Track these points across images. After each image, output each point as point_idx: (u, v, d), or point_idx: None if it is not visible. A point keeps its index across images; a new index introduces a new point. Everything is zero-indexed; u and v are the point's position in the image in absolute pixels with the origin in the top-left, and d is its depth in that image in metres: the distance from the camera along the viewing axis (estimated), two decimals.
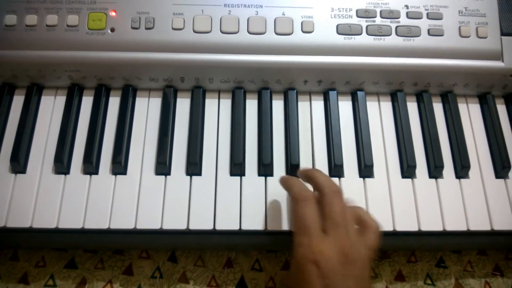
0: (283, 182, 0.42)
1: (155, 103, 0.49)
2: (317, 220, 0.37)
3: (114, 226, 0.43)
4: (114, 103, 0.49)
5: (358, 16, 0.48)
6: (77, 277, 0.46)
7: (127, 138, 0.47)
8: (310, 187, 0.40)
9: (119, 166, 0.45)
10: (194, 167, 0.45)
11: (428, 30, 0.48)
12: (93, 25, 0.47)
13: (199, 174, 0.46)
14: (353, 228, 0.37)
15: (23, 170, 0.45)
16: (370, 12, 0.48)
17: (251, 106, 0.49)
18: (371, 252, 0.37)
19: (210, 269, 0.47)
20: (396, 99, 0.50)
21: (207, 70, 0.47)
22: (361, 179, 0.46)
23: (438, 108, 0.50)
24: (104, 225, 0.43)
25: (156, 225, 0.43)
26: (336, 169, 0.46)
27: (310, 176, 0.41)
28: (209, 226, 0.43)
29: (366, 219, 0.39)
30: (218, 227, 0.43)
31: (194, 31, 0.47)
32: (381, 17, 0.48)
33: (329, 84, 0.49)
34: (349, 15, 0.48)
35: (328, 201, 0.37)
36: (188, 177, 0.45)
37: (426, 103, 0.50)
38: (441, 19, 0.48)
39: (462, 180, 0.47)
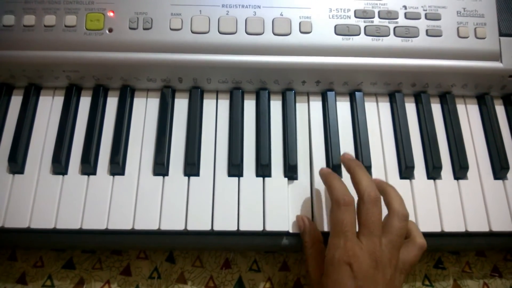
0: (324, 177, 0.43)
1: (153, 103, 0.49)
2: (354, 225, 0.38)
3: (112, 226, 0.43)
4: (112, 103, 0.49)
5: (356, 17, 0.48)
6: (75, 277, 0.46)
7: (125, 139, 0.47)
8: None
9: (117, 166, 0.45)
10: (192, 167, 0.45)
11: (427, 30, 0.48)
12: (91, 26, 0.47)
13: (197, 174, 0.45)
14: (393, 239, 0.38)
15: (21, 171, 0.45)
16: (368, 13, 0.48)
17: (249, 106, 0.49)
18: (407, 266, 0.39)
19: (208, 270, 0.47)
20: (394, 99, 0.50)
21: (205, 70, 0.47)
22: None
23: (436, 109, 0.50)
24: (102, 226, 0.43)
25: (154, 226, 0.43)
26: (334, 169, 0.46)
27: (352, 174, 0.42)
28: (207, 227, 0.43)
29: (415, 236, 0.41)
30: (216, 228, 0.43)
31: (192, 32, 0.47)
32: (379, 17, 0.48)
33: (327, 84, 0.49)
34: (347, 16, 0.48)
35: (366, 210, 0.38)
36: (186, 177, 0.45)
37: (424, 104, 0.50)
38: (439, 19, 0.48)
39: (461, 181, 0.47)
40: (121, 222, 0.43)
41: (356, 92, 0.50)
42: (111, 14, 0.47)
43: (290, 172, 0.45)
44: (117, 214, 0.43)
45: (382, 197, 0.40)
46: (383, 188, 0.42)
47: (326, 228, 0.43)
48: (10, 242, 0.45)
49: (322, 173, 0.43)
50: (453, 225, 0.44)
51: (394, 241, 0.38)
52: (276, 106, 0.49)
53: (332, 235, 0.39)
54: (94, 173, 0.45)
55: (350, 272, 0.36)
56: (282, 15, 0.47)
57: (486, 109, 0.50)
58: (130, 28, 0.47)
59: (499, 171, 0.47)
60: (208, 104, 0.49)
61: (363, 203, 0.39)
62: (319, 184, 0.45)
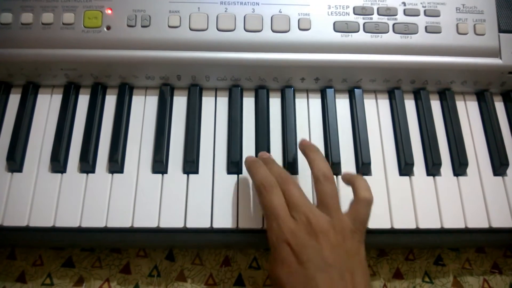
0: (247, 165, 0.43)
1: (152, 101, 0.49)
2: (283, 204, 0.38)
3: (111, 224, 0.43)
4: (110, 101, 0.49)
5: (355, 14, 0.48)
6: (74, 276, 0.46)
7: (123, 137, 0.47)
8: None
9: (116, 164, 0.45)
10: (191, 165, 0.45)
11: (426, 27, 0.48)
12: (89, 23, 0.46)
13: (196, 172, 0.45)
14: (325, 203, 0.38)
15: (19, 169, 0.45)
16: (367, 10, 0.48)
17: (248, 104, 0.49)
18: (358, 224, 0.38)
19: (207, 268, 0.47)
20: (394, 96, 0.50)
21: (204, 68, 0.47)
22: None
23: (435, 106, 0.50)
24: (101, 224, 0.43)
25: (153, 224, 0.43)
26: (333, 167, 0.46)
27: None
28: (207, 224, 0.43)
29: (358, 192, 0.39)
30: (215, 225, 0.43)
31: (191, 29, 0.47)
32: (378, 14, 0.48)
33: (326, 81, 0.49)
34: (346, 13, 0.48)
35: (284, 189, 0.39)
36: (185, 175, 0.45)
37: (423, 101, 0.49)
38: (438, 16, 0.48)
39: (460, 177, 0.47)
40: (120, 220, 0.43)
41: (355, 89, 0.49)
42: (109, 11, 0.47)
43: (290, 168, 0.45)
44: (116, 212, 0.43)
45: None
46: (305, 152, 0.42)
47: None
48: (9, 240, 0.45)
49: (245, 162, 0.43)
50: (453, 222, 0.44)
51: (327, 204, 0.38)
52: (275, 103, 0.49)
53: (266, 219, 0.39)
54: (93, 171, 0.45)
55: (289, 250, 0.36)
56: (280, 12, 0.47)
57: (485, 105, 0.50)
58: (128, 26, 0.46)
59: (498, 168, 0.47)
60: (207, 102, 0.49)
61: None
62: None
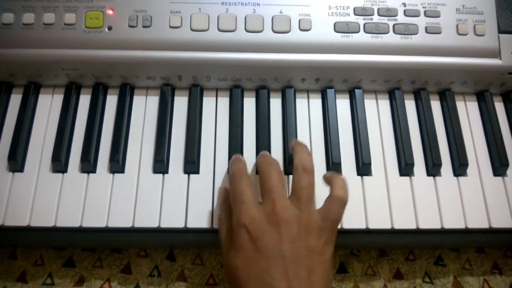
0: (231, 160, 0.43)
1: (153, 101, 0.49)
2: (250, 191, 0.38)
3: (112, 224, 0.43)
4: (111, 101, 0.49)
5: (355, 14, 0.48)
6: (75, 276, 0.46)
7: (124, 137, 0.47)
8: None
9: (117, 164, 0.45)
10: (191, 165, 0.45)
11: (426, 28, 0.48)
12: (90, 24, 0.46)
13: (197, 172, 0.45)
14: (298, 194, 0.38)
15: (20, 169, 0.45)
16: (367, 10, 0.48)
17: (249, 104, 0.49)
18: (328, 223, 0.37)
19: (208, 268, 0.47)
20: (394, 97, 0.50)
21: (205, 68, 0.47)
22: (359, 177, 0.46)
23: (436, 106, 0.50)
24: (102, 224, 0.43)
25: (154, 224, 0.43)
26: (334, 167, 0.46)
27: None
28: (207, 224, 0.43)
29: (333, 189, 0.39)
30: (216, 226, 0.43)
31: (192, 29, 0.47)
32: (379, 15, 0.48)
33: (327, 82, 0.49)
34: (347, 13, 0.48)
35: (261, 172, 0.39)
36: (186, 175, 0.45)
37: (424, 101, 0.50)
38: (438, 17, 0.48)
39: (460, 178, 0.47)
40: (121, 220, 0.43)
41: (355, 90, 0.50)
42: (111, 12, 0.47)
43: (290, 168, 0.45)
44: (117, 212, 0.43)
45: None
46: (292, 146, 0.42)
47: None
48: (10, 240, 0.45)
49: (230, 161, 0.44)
50: (453, 222, 0.44)
51: (298, 195, 0.37)
52: (275, 104, 0.49)
53: (233, 207, 0.38)
54: (94, 171, 0.45)
55: (247, 235, 0.35)
56: (281, 12, 0.47)
57: (485, 106, 0.50)
58: (130, 26, 0.47)
59: (498, 168, 0.47)
60: (208, 102, 0.49)
61: (259, 169, 0.40)
62: (319, 179, 0.45)
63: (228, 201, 0.41)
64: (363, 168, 0.46)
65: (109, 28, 0.47)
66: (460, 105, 0.50)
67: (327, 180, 0.41)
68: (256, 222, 0.36)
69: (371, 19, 0.48)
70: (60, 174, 0.45)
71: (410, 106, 0.50)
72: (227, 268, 0.37)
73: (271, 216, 0.36)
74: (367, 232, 0.44)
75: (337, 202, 0.38)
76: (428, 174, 0.47)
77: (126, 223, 0.43)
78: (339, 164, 0.46)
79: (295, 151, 0.41)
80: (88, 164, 0.45)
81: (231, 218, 0.39)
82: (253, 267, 0.35)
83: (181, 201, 0.44)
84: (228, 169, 0.46)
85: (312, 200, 0.38)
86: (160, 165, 0.45)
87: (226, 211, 0.41)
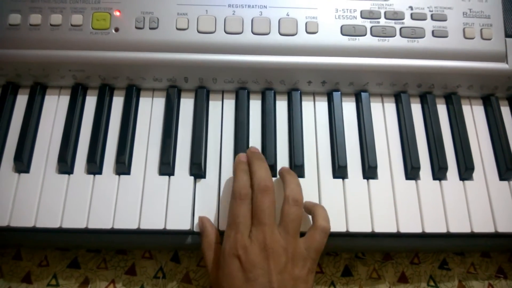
0: (235, 163, 0.43)
1: (159, 103, 0.49)
2: (249, 218, 0.39)
3: (118, 226, 0.43)
4: (117, 103, 0.49)
5: (362, 17, 0.48)
6: (80, 277, 0.46)
7: (130, 138, 0.47)
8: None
9: (123, 166, 0.45)
10: (198, 167, 0.45)
11: (433, 31, 0.48)
12: (97, 25, 0.47)
13: (203, 174, 0.45)
14: (286, 225, 0.38)
15: (26, 170, 0.45)
16: (374, 13, 0.48)
17: (255, 106, 0.49)
18: (312, 253, 0.38)
19: None
20: (400, 100, 0.50)
21: (211, 70, 0.47)
22: (365, 180, 0.46)
23: (442, 110, 0.50)
24: (107, 225, 0.43)
25: (159, 226, 0.43)
26: (340, 170, 0.46)
27: (249, 164, 0.42)
28: None
29: (317, 219, 0.40)
30: (221, 228, 0.43)
31: (198, 31, 0.47)
32: (386, 18, 0.48)
33: (333, 85, 0.49)
34: (354, 16, 0.48)
35: (255, 199, 0.39)
36: (192, 177, 0.45)
37: (430, 105, 0.50)
38: (445, 20, 0.48)
39: (466, 182, 0.47)
40: (126, 221, 0.43)
41: (362, 93, 0.50)
42: (117, 13, 0.47)
43: (297, 171, 0.45)
44: (122, 213, 0.43)
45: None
46: (282, 176, 0.43)
47: None
48: (15, 241, 0.45)
49: (236, 159, 0.43)
50: (459, 226, 0.44)
51: (287, 227, 0.38)
52: (281, 106, 0.49)
53: (227, 227, 0.40)
54: (100, 172, 0.45)
55: (239, 265, 0.37)
56: (288, 15, 0.47)
57: (491, 110, 0.50)
58: (136, 28, 0.47)
59: (504, 172, 0.47)
60: (214, 104, 0.49)
61: (253, 193, 0.39)
62: (327, 183, 0.45)
63: (208, 229, 0.42)
64: (369, 171, 0.46)
65: (116, 30, 0.47)
66: (466, 109, 0.50)
67: (309, 209, 0.42)
68: (248, 254, 0.37)
69: (378, 22, 0.48)
70: (66, 175, 0.45)
71: (416, 109, 0.50)
72: (215, 286, 0.38)
73: (262, 247, 0.37)
74: (372, 235, 0.44)
75: (320, 233, 0.39)
76: (434, 178, 0.47)
77: (132, 225, 0.43)
78: (345, 167, 0.46)
79: (286, 181, 0.41)
80: (94, 166, 0.45)
81: (216, 240, 0.40)
82: None
83: (187, 203, 0.44)
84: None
85: (299, 232, 0.39)
86: (166, 167, 0.45)
87: (207, 239, 0.41)
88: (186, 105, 0.49)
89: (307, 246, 0.39)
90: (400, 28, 0.48)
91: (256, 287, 0.36)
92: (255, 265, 0.36)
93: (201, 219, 0.43)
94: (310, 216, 0.43)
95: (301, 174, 0.46)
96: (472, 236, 0.45)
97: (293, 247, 0.38)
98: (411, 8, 0.48)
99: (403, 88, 0.50)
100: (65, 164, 0.45)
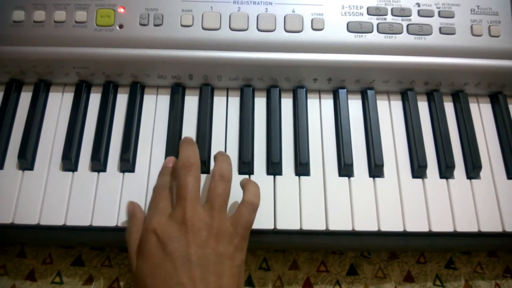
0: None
1: (163, 100, 0.49)
2: (168, 204, 0.39)
3: (122, 224, 0.43)
4: (122, 100, 0.49)
5: (369, 14, 0.47)
6: (84, 274, 0.46)
7: (135, 136, 0.46)
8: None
9: (127, 163, 0.45)
10: (202, 165, 0.45)
11: (440, 28, 0.47)
12: (102, 22, 0.46)
13: (207, 172, 0.45)
14: (210, 200, 0.38)
15: (30, 167, 0.45)
16: (381, 10, 0.47)
17: (260, 104, 0.49)
18: (239, 228, 0.38)
19: None
20: (407, 98, 0.49)
21: (216, 67, 0.47)
22: (371, 178, 0.46)
23: (449, 108, 0.50)
24: (112, 223, 0.43)
25: None
26: (346, 168, 0.45)
27: (180, 147, 0.42)
28: None
29: (244, 194, 0.40)
30: None
31: (203, 28, 0.46)
32: (392, 15, 0.47)
33: (339, 82, 0.49)
34: (360, 13, 0.47)
35: (179, 177, 0.39)
36: None
37: (437, 103, 0.49)
38: (452, 17, 0.48)
39: (473, 180, 0.46)
40: None
41: (368, 90, 0.49)
42: (122, 10, 0.47)
43: (302, 169, 0.45)
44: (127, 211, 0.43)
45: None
46: (214, 158, 0.42)
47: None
48: (20, 238, 0.45)
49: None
50: (466, 225, 0.44)
51: (212, 202, 0.38)
52: (287, 104, 0.49)
53: (147, 214, 0.40)
54: (104, 170, 0.45)
55: (155, 239, 0.36)
56: (294, 12, 0.47)
57: (499, 108, 0.49)
58: (141, 25, 0.46)
59: None
60: (219, 101, 0.49)
61: (178, 170, 0.40)
62: (333, 181, 0.45)
63: (138, 214, 0.41)
64: (376, 169, 0.45)
65: (120, 26, 0.46)
66: (473, 107, 0.50)
67: (242, 185, 0.42)
68: (165, 227, 0.36)
69: (385, 19, 0.47)
70: (70, 173, 0.45)
71: (423, 107, 0.49)
72: (135, 277, 0.37)
73: (181, 222, 0.36)
74: (378, 234, 0.44)
75: (248, 207, 0.39)
76: (441, 176, 0.46)
77: None
78: (351, 165, 0.45)
79: (216, 160, 0.41)
80: (98, 163, 0.45)
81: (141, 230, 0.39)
82: (160, 272, 0.35)
83: None
84: (238, 167, 0.45)
85: (225, 208, 0.39)
86: None
87: (135, 223, 0.41)
88: (191, 103, 0.49)
89: (234, 222, 0.38)
90: (407, 25, 0.47)
91: (174, 260, 0.35)
92: (171, 238, 0.36)
93: (131, 203, 0.42)
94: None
95: (306, 172, 0.45)
96: (479, 235, 0.44)
97: (218, 223, 0.37)
98: (418, 4, 0.48)
99: (409, 86, 0.49)
100: (69, 162, 0.45)
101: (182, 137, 0.45)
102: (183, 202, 0.37)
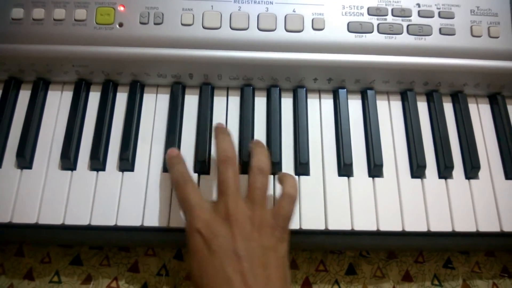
0: (167, 158, 0.42)
1: (163, 99, 0.48)
2: (198, 195, 0.38)
3: (121, 223, 0.42)
4: (121, 99, 0.48)
5: (369, 14, 0.47)
6: (82, 274, 0.46)
7: (134, 135, 0.46)
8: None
9: (126, 162, 0.44)
10: (202, 164, 0.45)
11: (440, 29, 0.47)
12: (101, 20, 0.46)
13: (207, 172, 0.45)
14: (251, 194, 0.38)
15: (29, 166, 0.45)
16: (381, 10, 0.47)
17: (260, 103, 0.49)
18: (280, 220, 0.38)
19: None
20: (406, 98, 0.49)
21: (216, 66, 0.47)
22: (371, 178, 0.46)
23: (448, 108, 0.50)
24: (111, 222, 0.42)
25: (163, 223, 0.43)
26: (345, 168, 0.45)
27: (215, 138, 0.42)
28: None
29: (283, 187, 0.40)
30: None
31: (204, 27, 0.46)
32: (393, 15, 0.47)
33: (339, 82, 0.49)
34: (360, 13, 0.47)
35: (218, 171, 0.39)
36: (196, 174, 0.45)
37: (436, 103, 0.49)
38: (452, 18, 0.48)
39: (472, 180, 0.46)
40: (130, 218, 0.43)
41: (368, 90, 0.49)
42: (122, 8, 0.46)
43: (302, 169, 0.45)
44: (126, 210, 0.43)
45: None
46: (251, 149, 0.42)
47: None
48: (18, 237, 0.45)
49: (167, 155, 0.43)
50: (464, 225, 0.44)
51: (252, 195, 0.38)
52: (287, 103, 0.49)
53: (184, 213, 0.39)
54: (103, 169, 0.45)
55: (200, 238, 0.36)
56: (294, 11, 0.47)
57: (498, 109, 0.50)
58: (141, 23, 0.46)
59: (510, 171, 0.47)
60: (219, 101, 0.49)
61: (217, 164, 0.39)
62: (332, 181, 0.45)
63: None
64: (375, 169, 0.46)
65: (120, 25, 0.46)
66: (472, 107, 0.50)
67: (280, 179, 0.42)
68: (208, 224, 0.36)
69: (385, 19, 0.47)
70: (69, 172, 0.44)
71: (422, 108, 0.50)
72: (190, 276, 0.37)
73: (224, 217, 0.36)
74: (377, 234, 0.44)
75: (287, 199, 0.39)
76: (440, 176, 0.46)
77: (135, 222, 0.43)
78: (351, 165, 0.45)
79: (254, 152, 0.41)
80: (97, 162, 0.44)
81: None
82: (209, 269, 0.35)
83: None
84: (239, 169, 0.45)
85: (266, 200, 0.39)
86: None
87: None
88: (191, 102, 0.49)
89: (275, 214, 0.38)
90: (407, 26, 0.47)
91: (221, 255, 0.35)
92: (216, 234, 0.35)
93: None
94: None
95: (306, 172, 0.45)
96: (477, 235, 0.45)
97: (260, 215, 0.37)
98: (418, 5, 0.48)
99: (409, 86, 0.49)
100: (68, 161, 0.44)
101: (214, 124, 0.44)
102: (225, 197, 0.37)
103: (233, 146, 0.40)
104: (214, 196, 0.44)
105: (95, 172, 0.45)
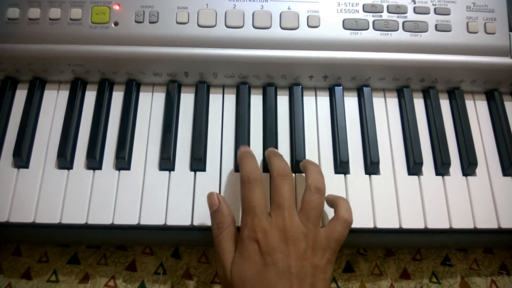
0: (239, 155, 0.43)
1: (159, 98, 0.48)
2: (263, 202, 0.38)
3: (118, 222, 0.42)
4: (117, 97, 0.48)
5: (364, 11, 0.47)
6: (80, 273, 0.46)
7: (130, 133, 0.46)
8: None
9: (123, 161, 0.45)
10: (198, 162, 0.45)
11: (436, 25, 0.47)
12: (97, 19, 0.46)
13: (204, 170, 0.45)
14: (307, 213, 0.38)
15: (25, 165, 0.45)
16: (377, 7, 0.47)
17: (256, 101, 0.49)
18: (332, 243, 0.38)
19: (214, 266, 0.47)
20: (403, 95, 0.49)
21: (212, 64, 0.47)
22: (367, 176, 0.46)
23: (445, 105, 0.50)
24: (107, 221, 0.42)
25: (160, 221, 0.43)
26: (341, 165, 0.45)
27: (266, 156, 0.43)
28: None
29: (339, 210, 0.40)
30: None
31: (199, 25, 0.46)
32: (388, 12, 0.47)
33: (335, 79, 0.49)
34: (356, 10, 0.47)
35: (275, 185, 0.39)
36: (192, 172, 0.45)
37: (433, 100, 0.49)
38: (448, 14, 0.48)
39: (469, 177, 0.46)
40: (126, 217, 0.43)
41: (364, 87, 0.49)
42: (117, 7, 0.46)
43: (297, 167, 0.45)
44: (122, 209, 0.43)
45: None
46: (304, 166, 0.42)
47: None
48: (15, 237, 0.45)
49: (239, 151, 0.43)
50: (462, 222, 0.44)
51: (308, 214, 0.38)
52: (283, 101, 0.49)
53: (243, 214, 0.39)
54: (100, 168, 0.45)
55: (257, 248, 0.36)
56: (289, 9, 0.47)
57: (495, 105, 0.50)
58: (136, 22, 0.46)
59: (508, 168, 0.47)
60: (215, 99, 0.49)
61: (272, 180, 0.39)
62: (329, 179, 0.44)
63: (225, 211, 0.39)
64: (371, 166, 0.45)
65: (116, 24, 0.46)
66: (469, 104, 0.50)
67: (331, 201, 0.42)
68: (267, 236, 0.36)
69: (381, 16, 0.47)
70: (66, 171, 0.45)
71: (419, 104, 0.49)
72: (230, 276, 0.37)
73: (281, 232, 0.37)
74: (374, 231, 0.44)
75: (342, 224, 0.39)
76: (437, 173, 0.46)
77: (132, 221, 0.43)
78: (347, 162, 0.45)
79: (308, 170, 0.41)
80: (94, 161, 0.45)
81: (230, 226, 0.39)
82: (261, 280, 0.35)
83: (187, 199, 0.43)
84: (234, 166, 0.45)
85: (320, 220, 0.39)
86: (166, 162, 0.45)
87: (225, 221, 0.39)
88: (187, 100, 0.49)
89: (328, 235, 0.38)
90: (403, 22, 0.47)
91: (275, 270, 0.35)
92: (274, 248, 0.36)
93: (213, 196, 0.40)
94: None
95: (301, 170, 0.45)
96: (475, 232, 0.45)
97: (314, 235, 0.37)
98: (414, 1, 0.48)
99: (405, 83, 0.49)
100: (65, 160, 0.44)
101: (267, 149, 0.44)
102: (281, 211, 0.37)
103: (288, 164, 0.41)
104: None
105: (91, 171, 0.45)
